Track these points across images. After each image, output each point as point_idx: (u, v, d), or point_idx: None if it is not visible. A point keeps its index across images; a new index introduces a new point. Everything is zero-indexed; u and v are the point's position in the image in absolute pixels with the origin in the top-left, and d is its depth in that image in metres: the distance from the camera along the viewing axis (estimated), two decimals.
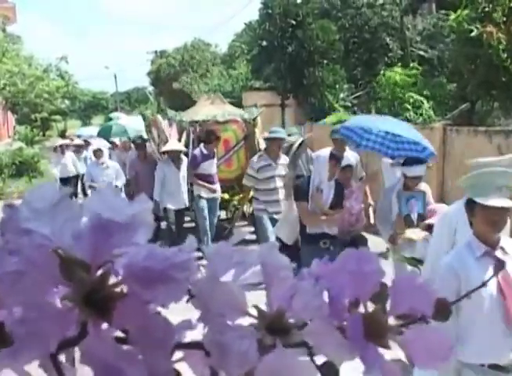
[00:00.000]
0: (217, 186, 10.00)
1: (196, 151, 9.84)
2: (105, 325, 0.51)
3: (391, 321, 0.55)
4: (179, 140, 10.77)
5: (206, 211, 9.80)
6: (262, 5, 20.13)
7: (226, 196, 11.08)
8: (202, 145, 9.83)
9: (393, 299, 0.55)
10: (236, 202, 11.38)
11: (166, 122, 11.09)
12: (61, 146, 15.72)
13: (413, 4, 19.56)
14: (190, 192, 10.22)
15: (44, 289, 0.50)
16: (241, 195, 10.96)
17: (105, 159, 11.92)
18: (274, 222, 7.56)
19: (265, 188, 8.31)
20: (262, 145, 10.59)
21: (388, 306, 0.55)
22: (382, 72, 15.79)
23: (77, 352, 0.55)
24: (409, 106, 14.45)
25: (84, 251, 0.50)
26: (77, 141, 17.81)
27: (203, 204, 9.80)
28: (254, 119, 11.52)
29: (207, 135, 9.90)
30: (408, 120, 14.07)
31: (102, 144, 12.18)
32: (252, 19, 26.32)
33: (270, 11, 19.67)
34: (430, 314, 0.55)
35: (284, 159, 8.33)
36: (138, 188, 10.50)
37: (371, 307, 0.55)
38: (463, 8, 12.46)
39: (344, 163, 6.71)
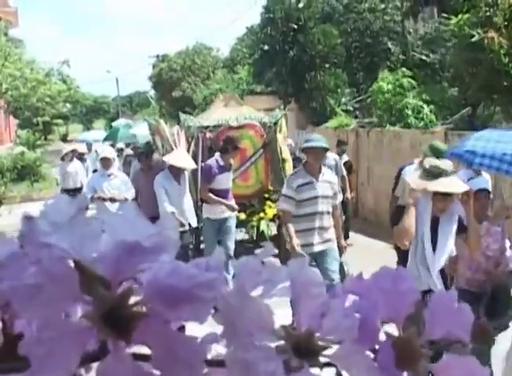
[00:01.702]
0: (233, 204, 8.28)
1: (212, 162, 8.22)
2: (125, 345, 0.49)
3: (425, 346, 0.53)
4: (188, 150, 9.24)
5: (215, 237, 8.20)
6: (264, 9, 20.15)
7: (243, 216, 9.39)
8: (218, 154, 8.25)
9: (428, 322, 0.52)
10: (254, 223, 9.73)
11: (171, 129, 9.00)
12: (73, 151, 13.84)
13: (415, 8, 19.55)
14: (198, 211, 8.71)
15: (63, 305, 0.48)
16: (261, 214, 9.63)
17: (114, 170, 9.49)
18: (321, 257, 6.25)
19: (306, 213, 6.35)
20: (286, 154, 9.83)
21: (423, 329, 0.53)
22: (378, 80, 15.73)
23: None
24: (409, 112, 14.43)
25: (104, 267, 0.48)
26: (83, 148, 15.80)
27: (213, 228, 8.19)
28: (276, 123, 9.90)
29: (224, 143, 8.30)
30: (408, 125, 14.06)
31: (109, 151, 9.80)
32: (254, 23, 26.37)
33: (272, 15, 19.68)
34: (468, 338, 0.52)
35: (329, 175, 6.65)
36: (139, 205, 8.21)
37: (405, 330, 0.53)
38: (465, 12, 12.46)
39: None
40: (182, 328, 0.51)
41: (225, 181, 8.20)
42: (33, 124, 42.00)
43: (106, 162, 9.34)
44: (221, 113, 9.96)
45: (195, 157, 9.27)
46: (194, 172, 9.22)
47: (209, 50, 42.78)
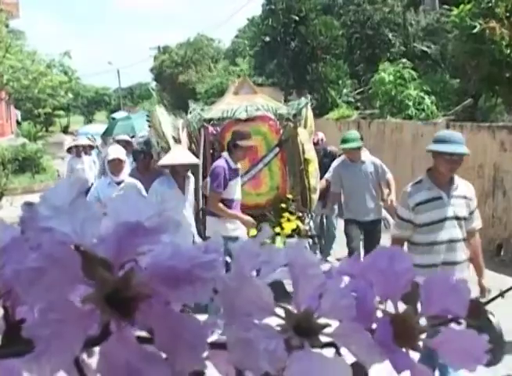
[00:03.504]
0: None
1: (222, 163, 6.57)
2: (128, 326, 0.50)
3: (423, 323, 0.54)
4: (190, 148, 7.67)
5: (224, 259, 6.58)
6: (265, 0, 20.14)
7: (253, 231, 6.81)
8: (226, 154, 6.68)
9: (424, 300, 0.54)
10: (268, 240, 7.30)
11: (175, 121, 7.74)
12: (77, 146, 12.40)
13: None
14: (201, 226, 7.18)
15: (65, 288, 0.49)
16: (276, 229, 7.56)
17: (125, 175, 7.34)
18: None
19: (428, 241, 4.62)
20: (310, 153, 8.04)
21: (420, 307, 0.54)
22: (379, 71, 15.71)
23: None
24: (410, 103, 14.42)
25: (106, 249, 0.49)
26: (86, 141, 13.46)
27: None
28: (295, 115, 8.08)
29: (233, 138, 6.70)
30: (410, 116, 14.05)
31: (120, 151, 7.53)
32: (255, 14, 26.34)
33: (273, 7, 19.68)
34: (464, 315, 0.53)
35: (464, 187, 4.85)
36: None
37: (402, 308, 0.54)
38: (466, 3, 12.43)
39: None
40: (183, 311, 0.52)
41: (237, 189, 6.71)
42: (34, 116, 41.96)
43: (116, 166, 7.16)
44: (229, 103, 8.27)
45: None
46: (194, 176, 7.43)
47: (210, 41, 42.73)
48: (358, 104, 18.39)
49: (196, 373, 0.51)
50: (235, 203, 6.64)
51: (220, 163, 6.58)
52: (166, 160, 6.63)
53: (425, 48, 18.41)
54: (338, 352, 0.52)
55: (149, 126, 7.85)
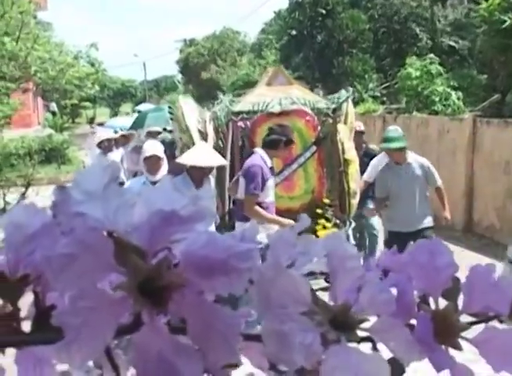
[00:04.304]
0: None
1: (258, 161, 5.82)
2: (160, 316, 0.49)
3: (463, 320, 0.52)
4: (217, 144, 7.06)
5: None
6: None
7: None
8: (261, 150, 5.94)
9: (466, 296, 0.52)
10: None
11: (201, 113, 7.16)
12: (109, 140, 10.78)
13: None
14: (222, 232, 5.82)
15: (97, 275, 0.48)
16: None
17: (163, 175, 6.15)
18: None
19: None
20: (351, 153, 7.31)
21: (461, 304, 0.52)
22: (405, 66, 15.60)
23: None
24: (436, 99, 14.31)
25: (140, 237, 0.48)
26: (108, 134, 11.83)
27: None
28: (335, 110, 7.32)
29: (271, 133, 6.00)
30: (436, 112, 13.94)
31: (156, 147, 6.46)
32: (282, 7, 26.29)
33: (300, 0, 19.59)
34: (507, 313, 0.51)
35: None
36: None
37: (442, 304, 0.52)
38: None
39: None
40: (216, 301, 0.51)
41: (272, 191, 6.00)
42: (61, 107, 42.27)
43: (154, 164, 6.21)
44: (261, 95, 7.43)
45: (221, 156, 6.63)
46: (219, 176, 6.85)
47: (236, 34, 42.74)
48: (384, 99, 18.29)
49: (230, 366, 0.50)
50: (271, 206, 5.89)
51: (256, 161, 5.80)
52: (187, 158, 5.72)
53: (453, 44, 18.27)
54: (375, 348, 0.51)
55: (171, 119, 7.37)
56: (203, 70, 38.16)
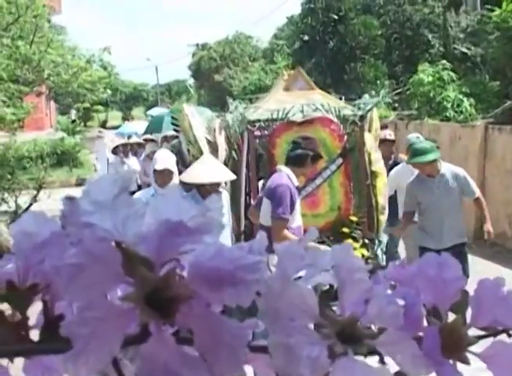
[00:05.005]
0: None
1: (284, 179, 5.11)
2: (167, 327, 0.49)
3: (471, 333, 0.52)
4: (227, 159, 6.44)
5: None
6: None
7: None
8: (285, 168, 5.23)
9: (474, 310, 0.52)
10: None
11: (210, 122, 6.62)
12: (125, 145, 10.65)
13: (457, 0, 19.36)
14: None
15: (105, 285, 0.48)
16: None
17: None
18: None
19: None
20: (378, 165, 6.70)
21: (469, 317, 0.52)
22: (417, 72, 15.58)
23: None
24: (448, 105, 14.27)
25: (148, 248, 0.48)
26: (134, 139, 12.02)
27: None
28: (363, 117, 6.63)
29: (294, 147, 5.31)
30: (447, 118, 13.91)
31: (168, 160, 5.97)
32: (294, 13, 26.33)
33: (312, 5, 19.67)
34: None
35: None
36: None
37: (450, 317, 0.52)
38: (508, 3, 12.23)
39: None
40: (222, 312, 0.51)
41: (299, 214, 5.30)
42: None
43: (164, 177, 5.79)
44: (279, 101, 6.73)
45: (237, 170, 6.23)
46: (233, 192, 6.37)
47: (249, 39, 42.80)
48: (396, 105, 18.25)
49: None
50: (297, 231, 5.08)
51: (282, 180, 5.10)
52: (188, 176, 5.24)
53: (465, 50, 18.22)
54: (382, 361, 0.51)
55: (176, 130, 6.57)
56: (215, 74, 38.23)
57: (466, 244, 6.31)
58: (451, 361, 0.50)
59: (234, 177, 5.63)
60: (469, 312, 0.52)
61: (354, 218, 6.59)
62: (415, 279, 0.52)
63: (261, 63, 35.32)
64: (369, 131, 6.78)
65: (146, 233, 0.48)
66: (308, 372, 0.47)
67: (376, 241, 6.66)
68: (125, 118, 54.90)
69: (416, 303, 0.51)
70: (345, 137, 6.56)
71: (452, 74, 15.22)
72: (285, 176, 5.13)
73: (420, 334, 0.51)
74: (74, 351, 0.45)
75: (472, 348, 0.51)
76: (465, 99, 14.37)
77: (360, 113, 6.62)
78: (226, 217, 5.26)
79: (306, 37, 19.78)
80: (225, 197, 5.46)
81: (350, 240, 6.27)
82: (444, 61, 15.87)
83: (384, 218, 6.70)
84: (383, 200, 6.67)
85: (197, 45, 45.48)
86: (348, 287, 0.51)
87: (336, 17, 19.23)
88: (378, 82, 18.85)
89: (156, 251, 0.48)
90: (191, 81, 53.47)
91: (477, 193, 6.30)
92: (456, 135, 11.90)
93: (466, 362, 0.51)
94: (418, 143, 6.42)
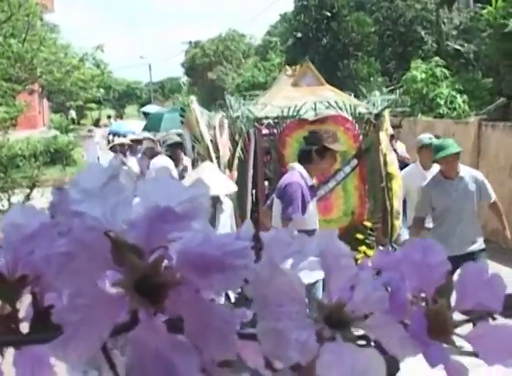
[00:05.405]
0: None
1: (295, 177, 4.83)
2: (157, 314, 0.49)
3: (457, 317, 0.53)
4: (232, 158, 6.05)
5: None
6: None
7: None
8: (298, 165, 4.96)
9: (459, 294, 0.53)
10: None
11: (212, 118, 6.25)
12: (122, 145, 10.59)
13: None
14: None
15: (94, 273, 0.49)
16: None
17: None
18: None
19: None
20: (393, 166, 6.36)
21: (453, 301, 0.53)
22: (410, 69, 15.60)
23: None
24: (441, 102, 14.30)
25: (136, 235, 0.49)
26: (131, 137, 11.81)
27: None
28: (378, 116, 6.38)
29: (311, 141, 4.99)
30: (441, 115, 13.94)
31: (166, 165, 5.87)
32: (287, 10, 26.32)
33: (305, 2, 19.66)
34: (499, 310, 0.52)
35: None
36: None
37: (435, 301, 0.53)
38: (499, 1, 12.25)
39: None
40: (212, 300, 0.52)
41: (315, 217, 5.01)
42: (66, 108, 42.37)
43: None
44: (288, 98, 6.39)
45: (243, 170, 6.01)
46: (240, 195, 6.02)
47: (242, 37, 42.79)
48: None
49: (226, 362, 0.51)
50: (311, 234, 4.43)
51: (293, 178, 4.82)
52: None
53: (458, 47, 18.25)
54: (370, 345, 0.52)
55: (182, 122, 6.30)
56: (208, 72, 38.22)
57: (485, 250, 5.91)
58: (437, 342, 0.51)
59: (235, 189, 5.32)
60: (453, 297, 0.53)
61: (368, 224, 6.38)
62: (400, 264, 0.52)
63: (255, 60, 35.30)
64: (382, 129, 6.54)
65: (134, 219, 0.49)
66: (297, 355, 0.47)
67: (389, 247, 6.09)
68: (117, 116, 54.73)
69: (401, 288, 0.52)
70: (360, 137, 6.28)
71: (445, 70, 15.25)
72: (297, 174, 4.85)
73: (407, 318, 0.52)
74: (64, 337, 0.46)
75: (457, 330, 0.52)
76: (458, 95, 14.40)
77: (375, 111, 6.34)
78: (227, 227, 5.05)
79: (299, 35, 19.78)
80: (228, 205, 5.20)
81: (364, 247, 6.13)
82: (437, 58, 15.90)
83: (398, 223, 6.44)
84: (398, 203, 6.40)
85: (190, 42, 45.45)
86: (335, 273, 0.52)
87: (329, 14, 19.23)
88: (371, 79, 18.86)
89: (145, 238, 0.49)
90: (184, 79, 53.47)
91: (494, 197, 6.05)
92: (450, 132, 11.90)
93: (451, 344, 0.52)
94: (438, 140, 6.16)
